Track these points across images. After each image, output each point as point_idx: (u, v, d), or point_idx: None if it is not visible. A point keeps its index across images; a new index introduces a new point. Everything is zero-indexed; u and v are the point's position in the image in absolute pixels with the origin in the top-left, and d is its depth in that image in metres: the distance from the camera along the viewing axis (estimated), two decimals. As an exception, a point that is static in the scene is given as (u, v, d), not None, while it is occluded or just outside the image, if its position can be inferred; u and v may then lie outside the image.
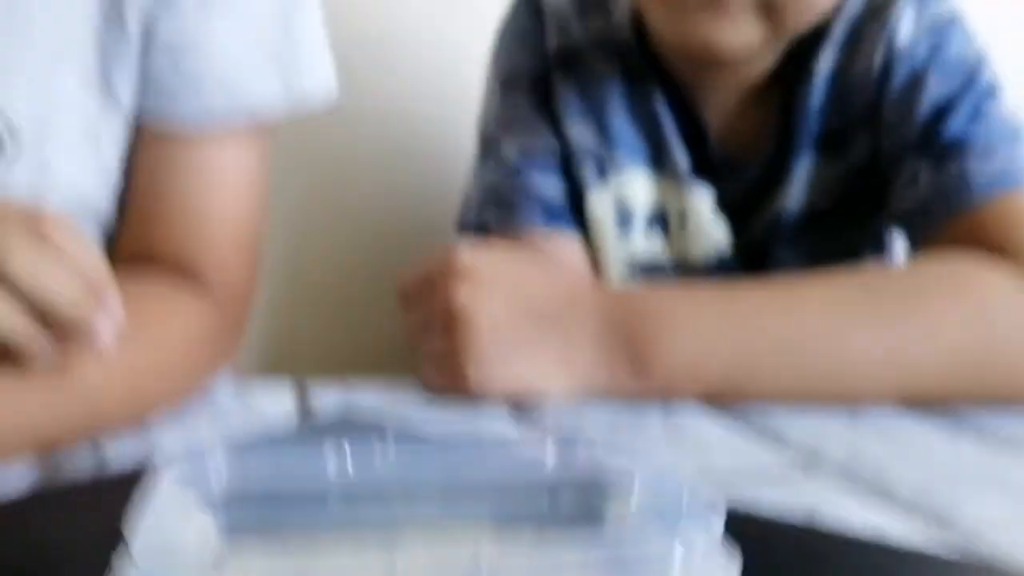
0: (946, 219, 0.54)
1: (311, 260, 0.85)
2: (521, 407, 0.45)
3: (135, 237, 0.44)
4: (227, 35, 0.43)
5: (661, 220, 0.63)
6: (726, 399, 0.46)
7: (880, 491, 0.35)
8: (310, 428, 0.40)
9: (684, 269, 0.62)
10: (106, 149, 0.43)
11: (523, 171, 0.61)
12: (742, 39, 0.55)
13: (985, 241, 0.51)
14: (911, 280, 0.51)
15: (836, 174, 0.61)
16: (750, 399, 0.46)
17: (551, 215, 0.60)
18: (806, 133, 0.60)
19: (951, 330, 0.47)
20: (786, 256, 0.62)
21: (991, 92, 0.57)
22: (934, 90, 0.57)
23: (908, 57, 0.58)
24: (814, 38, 0.60)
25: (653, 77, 0.62)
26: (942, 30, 0.59)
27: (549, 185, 0.61)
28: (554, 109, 0.62)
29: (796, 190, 0.61)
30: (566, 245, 0.60)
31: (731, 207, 0.62)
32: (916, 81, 0.58)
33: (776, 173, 0.61)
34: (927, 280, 0.50)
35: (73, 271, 0.31)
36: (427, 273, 0.49)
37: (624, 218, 0.62)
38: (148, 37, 0.42)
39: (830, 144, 0.61)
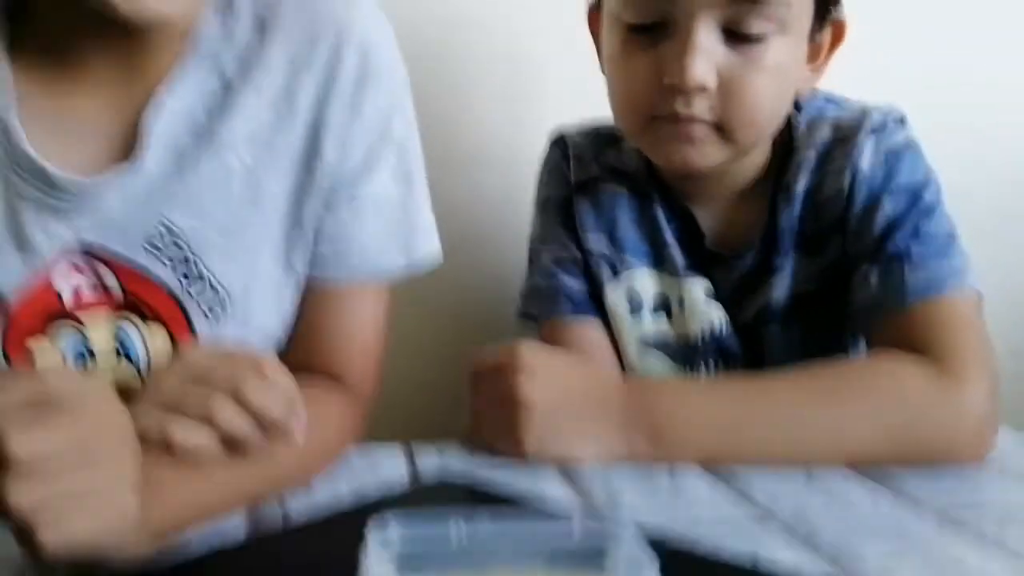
0: (886, 316, 0.69)
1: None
2: (566, 469, 0.62)
3: (301, 355, 0.63)
4: (368, 230, 0.62)
5: (664, 306, 0.79)
6: (716, 463, 0.63)
7: (809, 539, 0.51)
8: (425, 491, 0.58)
9: (686, 344, 0.78)
10: (285, 303, 0.62)
11: (556, 275, 0.80)
12: (709, 159, 0.71)
13: (912, 336, 0.66)
14: (851, 374, 0.67)
15: (814, 269, 0.76)
16: (735, 463, 0.63)
17: (577, 307, 0.79)
18: (787, 237, 0.76)
19: (876, 412, 0.63)
20: (776, 333, 0.77)
21: (930, 211, 0.71)
22: (887, 209, 0.71)
23: (868, 181, 0.73)
24: (791, 161, 0.76)
25: (655, 193, 0.79)
26: (896, 158, 0.73)
27: (575, 285, 0.79)
28: (576, 226, 0.80)
29: (781, 282, 0.76)
30: (590, 330, 0.79)
31: (727, 293, 0.78)
32: (873, 201, 0.72)
33: (764, 267, 0.76)
34: (862, 373, 0.67)
35: (279, 393, 0.49)
36: (496, 364, 0.66)
37: (635, 306, 0.79)
38: (316, 232, 0.61)
39: (807, 245, 0.76)
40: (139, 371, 0.58)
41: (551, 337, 0.79)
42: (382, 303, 0.66)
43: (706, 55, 0.66)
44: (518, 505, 0.54)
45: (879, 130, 0.74)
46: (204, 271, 0.57)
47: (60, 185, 0.53)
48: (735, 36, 0.67)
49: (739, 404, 0.65)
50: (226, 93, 0.57)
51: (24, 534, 0.38)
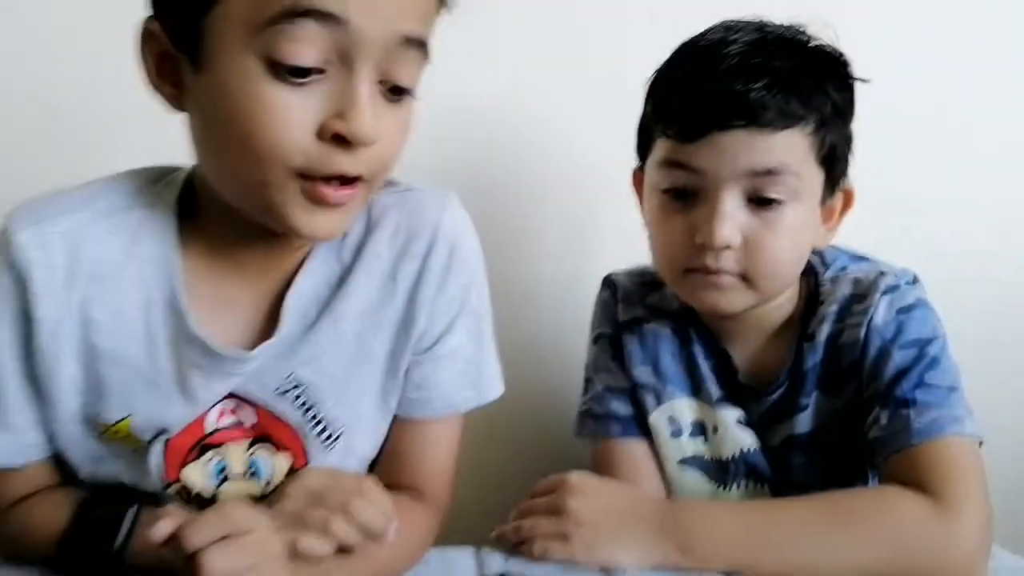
0: (894, 454, 0.78)
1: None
2: (605, 572, 0.74)
3: (390, 475, 0.76)
4: (447, 377, 0.76)
5: (701, 431, 0.91)
6: (738, 572, 0.73)
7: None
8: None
9: (720, 464, 0.90)
10: (379, 435, 0.77)
11: (606, 400, 0.93)
12: (735, 304, 0.83)
13: (915, 472, 0.75)
14: (860, 502, 0.76)
15: (835, 407, 0.86)
16: (755, 574, 0.73)
17: (625, 429, 0.91)
18: (811, 378, 0.86)
19: (880, 538, 0.73)
20: (801, 458, 0.87)
21: (934, 364, 0.80)
22: (896, 360, 0.81)
23: (881, 333, 0.83)
24: (816, 311, 0.87)
25: (693, 331, 0.91)
26: (907, 315, 0.83)
27: (623, 409, 0.92)
28: (624, 358, 0.93)
29: (805, 417, 0.86)
30: (636, 448, 0.91)
31: (757, 420, 0.89)
32: (885, 352, 0.82)
33: (791, 402, 0.87)
34: (869, 503, 0.76)
35: (378, 508, 0.63)
36: (553, 485, 0.78)
37: (675, 430, 0.91)
38: (406, 379, 0.75)
39: (828, 386, 0.86)
40: (264, 487, 0.72)
41: (603, 454, 0.92)
42: (456, 430, 0.79)
43: (731, 219, 0.79)
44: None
45: (892, 290, 0.84)
46: (319, 413, 0.72)
47: (221, 356, 0.68)
48: (755, 202, 0.80)
49: (759, 523, 0.75)
50: (343, 275, 0.72)
51: None
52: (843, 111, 0.82)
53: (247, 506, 0.61)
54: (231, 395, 0.71)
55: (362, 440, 0.75)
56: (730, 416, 0.89)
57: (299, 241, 0.68)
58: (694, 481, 0.90)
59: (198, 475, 0.71)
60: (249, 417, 0.72)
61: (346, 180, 0.61)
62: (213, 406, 0.71)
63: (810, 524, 0.74)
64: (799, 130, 0.78)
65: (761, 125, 0.77)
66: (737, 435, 0.89)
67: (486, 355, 0.79)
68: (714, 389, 0.90)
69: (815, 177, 0.82)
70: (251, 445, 0.72)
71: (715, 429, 0.90)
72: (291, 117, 0.58)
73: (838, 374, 0.85)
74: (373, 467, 0.80)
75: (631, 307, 0.95)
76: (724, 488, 0.89)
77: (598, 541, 0.75)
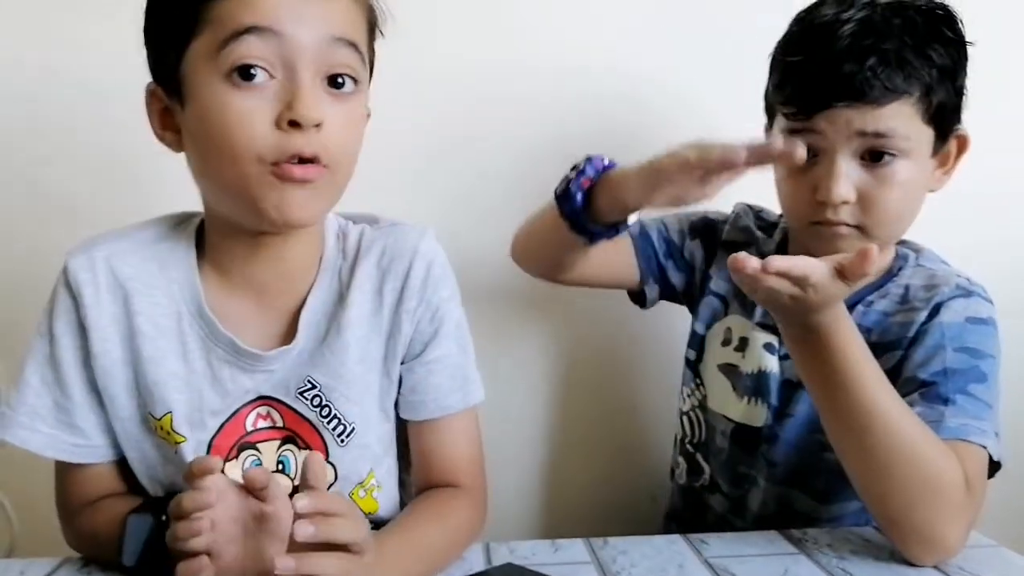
0: None
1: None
2: (600, 563, 0.79)
3: (424, 476, 0.86)
4: (436, 382, 0.85)
5: (743, 345, 1.01)
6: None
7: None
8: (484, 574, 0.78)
9: (740, 375, 1.00)
10: (383, 433, 0.85)
11: (654, 223, 1.09)
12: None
13: None
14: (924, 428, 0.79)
15: None
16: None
17: (637, 229, 1.07)
18: None
19: (931, 454, 0.77)
20: (807, 402, 0.94)
21: (983, 379, 0.84)
22: (949, 360, 0.85)
23: (944, 330, 0.87)
24: (883, 286, 0.94)
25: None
26: (974, 326, 0.87)
27: (653, 231, 1.09)
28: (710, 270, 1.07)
29: None
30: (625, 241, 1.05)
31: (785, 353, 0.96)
32: (941, 349, 0.86)
33: None
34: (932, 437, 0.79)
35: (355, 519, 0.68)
36: None
37: (726, 339, 1.03)
38: (402, 384, 0.85)
39: None
40: (292, 481, 0.82)
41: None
42: (472, 422, 0.88)
43: (845, 177, 0.88)
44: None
45: (966, 295, 0.89)
46: (335, 410, 0.82)
47: (244, 353, 0.79)
48: (868, 160, 0.88)
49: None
50: (343, 291, 0.83)
51: None
52: (950, 70, 0.89)
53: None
54: (264, 400, 0.81)
55: (371, 437, 0.84)
56: (761, 338, 0.99)
57: (274, 228, 0.76)
58: (720, 386, 1.01)
59: (238, 472, 0.81)
60: (278, 419, 0.82)
61: (306, 158, 0.71)
62: (246, 405, 0.81)
63: (881, 387, 0.78)
64: (904, 101, 0.86)
65: (867, 102, 0.85)
66: (761, 355, 0.98)
67: (470, 363, 0.88)
68: (759, 312, 0.99)
69: (924, 134, 0.89)
70: (281, 444, 0.82)
71: (749, 344, 1.00)
72: (253, 117, 0.70)
73: (877, 344, 0.89)
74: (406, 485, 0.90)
75: (735, 231, 1.07)
76: (738, 397, 1.00)
77: None
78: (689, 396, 1.10)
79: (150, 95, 0.77)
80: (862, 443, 0.78)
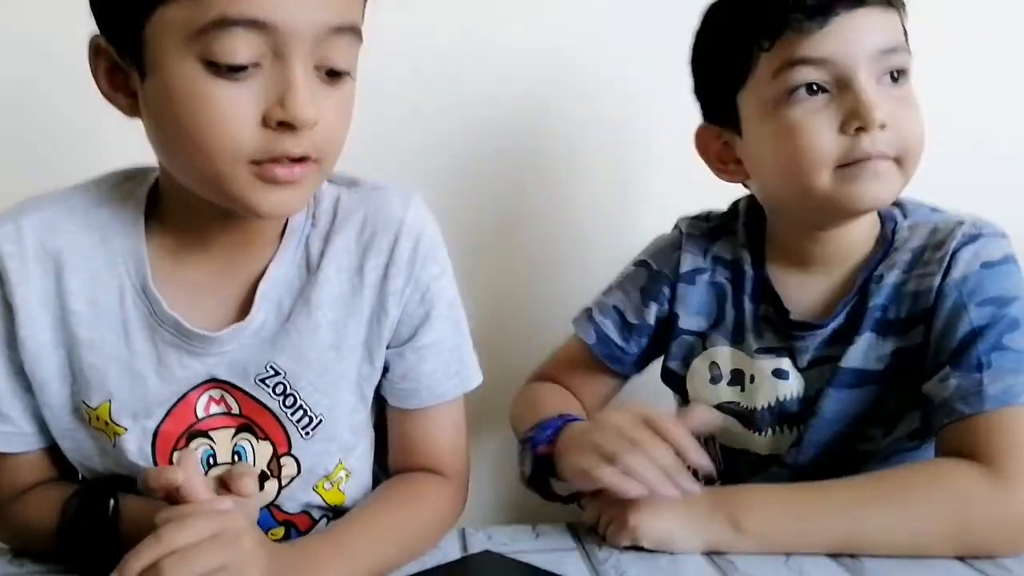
0: (960, 418, 0.75)
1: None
2: (586, 551, 0.74)
3: (403, 460, 0.80)
4: (430, 368, 0.78)
5: (738, 379, 0.92)
6: (791, 552, 0.73)
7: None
8: (465, 563, 0.73)
9: (752, 411, 0.91)
10: (358, 423, 0.79)
11: (607, 314, 1.00)
12: (891, 192, 0.82)
13: (977, 442, 0.73)
14: (912, 478, 0.75)
15: (888, 350, 0.84)
16: (806, 552, 0.72)
17: (605, 349, 0.99)
18: (869, 318, 0.84)
19: (933, 515, 0.72)
20: (838, 399, 0.85)
21: (1015, 325, 0.77)
22: (973, 318, 0.78)
23: (958, 286, 0.80)
24: (888, 256, 0.85)
25: (748, 279, 0.92)
26: (990, 270, 0.80)
27: (613, 333, 0.99)
28: (651, 300, 0.97)
29: (854, 352, 0.84)
30: (600, 374, 1.01)
31: (805, 364, 0.87)
32: (961, 308, 0.79)
33: (843, 335, 0.86)
34: (921, 478, 0.74)
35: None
36: None
37: (715, 377, 0.93)
38: (392, 372, 0.77)
39: (885, 330, 0.84)
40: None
41: (571, 349, 1.01)
42: (458, 409, 0.81)
43: (876, 99, 0.78)
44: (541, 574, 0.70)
45: (973, 239, 0.81)
46: (300, 401, 0.74)
47: (192, 335, 0.71)
48: (888, 83, 0.80)
49: (809, 504, 0.75)
50: (312, 265, 0.75)
51: None
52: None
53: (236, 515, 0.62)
54: (216, 384, 0.74)
55: (342, 428, 0.77)
56: (767, 366, 0.90)
57: (260, 221, 0.70)
58: (727, 424, 0.92)
59: (186, 461, 0.74)
60: (234, 406, 0.74)
61: (295, 159, 0.64)
62: (194, 389, 0.73)
63: (864, 501, 0.74)
64: (898, 13, 0.82)
65: (881, 4, 0.80)
66: (772, 385, 0.89)
67: (466, 345, 0.81)
68: (754, 341, 0.91)
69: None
70: (236, 433, 0.75)
71: (752, 379, 0.91)
72: (234, 111, 0.61)
73: (898, 321, 0.84)
74: (384, 456, 0.83)
75: (695, 257, 0.96)
76: (757, 433, 0.91)
77: (652, 520, 0.74)
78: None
79: (95, 49, 0.66)
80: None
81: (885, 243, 0.87)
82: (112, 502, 0.70)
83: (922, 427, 0.84)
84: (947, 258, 0.81)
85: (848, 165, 0.80)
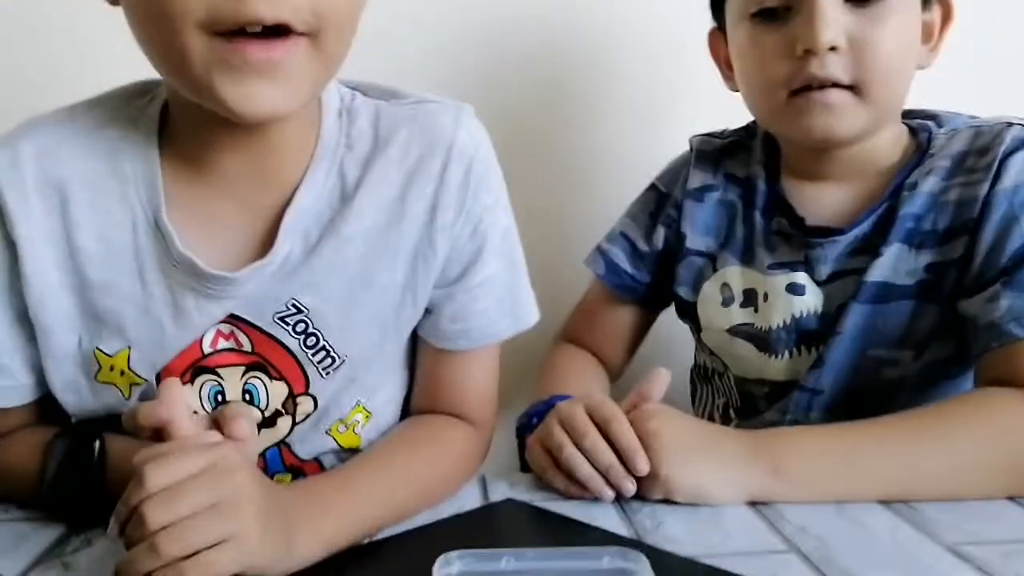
0: (1009, 341, 0.71)
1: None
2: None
3: (428, 401, 0.74)
4: (483, 308, 0.72)
5: (751, 299, 0.87)
6: (832, 500, 0.68)
7: (826, 566, 0.59)
8: (486, 512, 0.69)
9: (767, 331, 0.86)
10: (387, 365, 0.73)
11: (616, 242, 0.98)
12: (850, 127, 0.77)
13: None
14: (959, 410, 0.70)
15: (921, 264, 0.78)
16: (850, 500, 0.67)
17: (616, 278, 0.98)
18: (899, 228, 0.79)
19: (983, 447, 0.68)
20: (859, 312, 0.80)
21: None
22: None
23: (1009, 196, 0.74)
24: (923, 163, 0.80)
25: (761, 194, 0.88)
26: None
27: (624, 261, 0.97)
28: (662, 222, 0.95)
29: (880, 265, 0.79)
30: (615, 305, 1.00)
31: (825, 277, 0.83)
32: (1013, 220, 0.73)
33: (868, 245, 0.81)
34: (968, 409, 0.70)
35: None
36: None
37: (727, 298, 0.89)
38: (439, 313, 0.71)
39: (920, 241, 0.79)
40: (263, 414, 0.69)
41: (587, 294, 1.00)
42: (494, 354, 0.76)
43: (832, 19, 0.74)
44: (568, 524, 0.65)
45: None
46: (323, 340, 0.68)
47: (209, 277, 0.64)
48: (855, 1, 0.75)
49: (853, 445, 0.69)
50: (347, 193, 0.67)
51: None
52: None
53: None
54: (228, 319, 0.67)
55: (367, 370, 0.71)
56: (780, 282, 0.85)
57: (243, 121, 0.57)
58: (744, 350, 0.88)
59: (193, 399, 0.68)
60: (245, 343, 0.68)
61: (272, 33, 0.53)
62: (208, 328, 0.67)
63: (910, 437, 0.68)
64: None
65: None
66: (787, 302, 0.84)
67: (520, 282, 0.75)
68: (766, 256, 0.86)
69: None
70: (247, 371, 0.69)
71: (765, 297, 0.86)
72: None
73: (934, 233, 0.79)
74: (408, 397, 0.77)
75: (704, 174, 0.92)
76: (773, 356, 0.86)
77: (682, 461, 0.68)
78: (704, 363, 0.97)
79: None
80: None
81: (919, 151, 0.82)
82: (98, 444, 0.63)
83: (958, 353, 0.79)
84: (995, 164, 0.75)
85: (798, 94, 0.76)
